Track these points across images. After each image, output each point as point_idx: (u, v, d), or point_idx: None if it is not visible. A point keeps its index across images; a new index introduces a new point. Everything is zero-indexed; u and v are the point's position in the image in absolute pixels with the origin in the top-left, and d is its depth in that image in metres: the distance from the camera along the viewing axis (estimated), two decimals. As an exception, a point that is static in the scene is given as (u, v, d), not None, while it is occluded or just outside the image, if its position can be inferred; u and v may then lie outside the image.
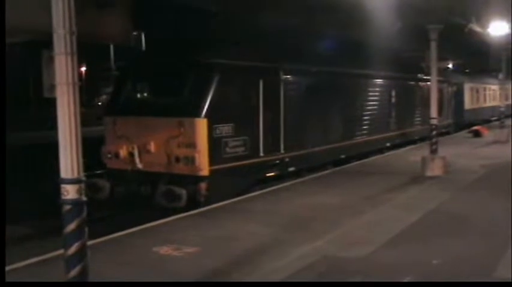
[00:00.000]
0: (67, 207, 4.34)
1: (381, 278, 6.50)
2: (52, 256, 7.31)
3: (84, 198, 4.40)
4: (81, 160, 4.38)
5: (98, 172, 12.98)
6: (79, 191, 4.34)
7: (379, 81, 19.84)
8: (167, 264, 7.17)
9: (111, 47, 37.25)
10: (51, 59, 4.36)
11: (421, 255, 7.37)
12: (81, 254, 4.40)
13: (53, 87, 4.28)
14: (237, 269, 6.88)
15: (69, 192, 4.32)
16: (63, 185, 4.33)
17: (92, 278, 6.51)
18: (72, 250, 4.37)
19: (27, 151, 16.48)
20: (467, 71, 36.50)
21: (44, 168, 15.86)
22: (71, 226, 4.35)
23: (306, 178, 14.49)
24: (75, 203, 4.34)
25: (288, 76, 14.06)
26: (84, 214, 4.41)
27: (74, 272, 4.40)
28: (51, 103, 4.38)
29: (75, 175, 4.33)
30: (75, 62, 4.31)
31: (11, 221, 12.36)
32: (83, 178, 4.40)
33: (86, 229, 4.45)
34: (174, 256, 7.53)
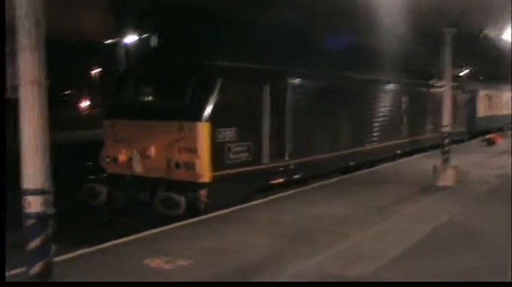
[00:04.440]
0: (30, 221, 3.86)
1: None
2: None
3: (50, 211, 3.92)
4: (47, 168, 3.90)
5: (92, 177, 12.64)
6: (44, 203, 3.86)
7: (389, 87, 19.30)
8: (156, 278, 6.68)
9: (123, 49, 37.06)
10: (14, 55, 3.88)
11: (431, 273, 6.81)
12: (45, 274, 3.90)
13: (16, 87, 3.81)
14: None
15: (32, 204, 3.84)
16: (25, 197, 3.85)
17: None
18: (36, 269, 3.88)
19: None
20: (481, 78, 35.76)
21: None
22: (34, 243, 3.87)
23: (312, 185, 13.96)
24: (39, 216, 3.86)
25: (295, 80, 13.58)
26: (50, 229, 3.92)
27: (36, 294, 3.90)
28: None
29: (39, 186, 3.85)
30: (42, 59, 3.84)
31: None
32: (49, 189, 3.91)
33: (52, 246, 3.96)
34: (164, 269, 7.05)
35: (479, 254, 7.63)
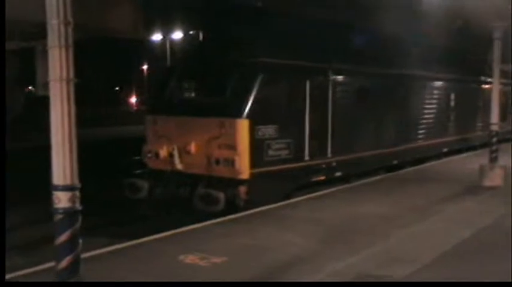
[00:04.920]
0: (59, 216, 3.94)
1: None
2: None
3: (78, 207, 3.98)
4: (75, 164, 3.96)
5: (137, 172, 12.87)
6: (72, 199, 3.92)
7: (437, 83, 18.79)
8: (189, 275, 6.71)
9: (168, 46, 37.78)
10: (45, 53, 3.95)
11: (471, 279, 6.57)
12: (73, 268, 3.96)
13: (47, 84, 3.89)
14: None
15: (61, 200, 3.91)
16: (54, 193, 3.92)
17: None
18: (64, 263, 3.95)
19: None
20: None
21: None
22: (62, 237, 3.94)
23: (354, 184, 13.76)
24: (68, 212, 3.93)
25: (337, 76, 13.39)
26: (78, 224, 3.99)
27: (64, 288, 3.97)
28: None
29: (68, 182, 3.92)
30: (71, 56, 3.89)
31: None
32: (78, 185, 3.97)
33: (80, 241, 4.02)
34: (199, 266, 7.07)
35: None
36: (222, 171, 11.09)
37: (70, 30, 3.87)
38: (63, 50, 3.85)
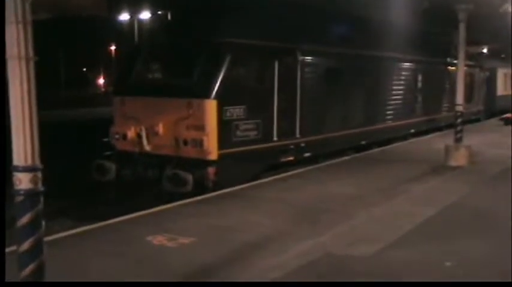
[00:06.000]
0: (19, 198, 3.84)
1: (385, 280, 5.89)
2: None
3: (40, 188, 3.89)
4: (36, 145, 3.86)
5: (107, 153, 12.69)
6: (33, 180, 3.83)
7: (404, 64, 18.97)
8: (157, 256, 6.68)
9: (136, 26, 37.14)
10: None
11: (434, 256, 6.71)
12: (35, 251, 3.88)
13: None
14: (230, 265, 6.35)
15: (22, 181, 3.81)
16: (15, 174, 3.82)
17: (76, 269, 6.16)
18: (25, 246, 3.86)
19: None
20: (503, 56, 34.98)
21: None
22: (24, 220, 3.84)
23: (322, 164, 13.87)
24: (29, 193, 3.83)
25: (306, 57, 13.39)
26: (40, 205, 3.90)
27: (26, 271, 3.88)
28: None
29: (29, 162, 3.82)
30: (30, 34, 3.76)
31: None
32: (39, 166, 3.88)
33: (42, 223, 3.94)
34: (167, 247, 7.04)
35: (484, 239, 7.43)
36: (190, 152, 11.03)
37: (28, 5, 3.73)
38: (21, 26, 3.71)
